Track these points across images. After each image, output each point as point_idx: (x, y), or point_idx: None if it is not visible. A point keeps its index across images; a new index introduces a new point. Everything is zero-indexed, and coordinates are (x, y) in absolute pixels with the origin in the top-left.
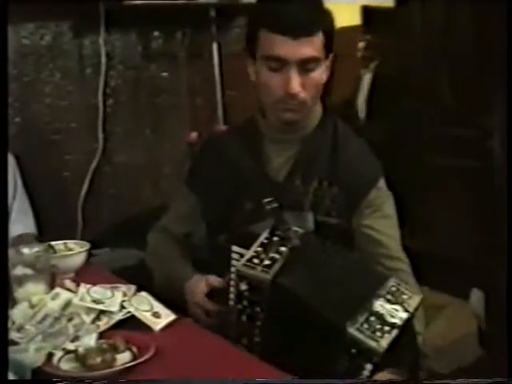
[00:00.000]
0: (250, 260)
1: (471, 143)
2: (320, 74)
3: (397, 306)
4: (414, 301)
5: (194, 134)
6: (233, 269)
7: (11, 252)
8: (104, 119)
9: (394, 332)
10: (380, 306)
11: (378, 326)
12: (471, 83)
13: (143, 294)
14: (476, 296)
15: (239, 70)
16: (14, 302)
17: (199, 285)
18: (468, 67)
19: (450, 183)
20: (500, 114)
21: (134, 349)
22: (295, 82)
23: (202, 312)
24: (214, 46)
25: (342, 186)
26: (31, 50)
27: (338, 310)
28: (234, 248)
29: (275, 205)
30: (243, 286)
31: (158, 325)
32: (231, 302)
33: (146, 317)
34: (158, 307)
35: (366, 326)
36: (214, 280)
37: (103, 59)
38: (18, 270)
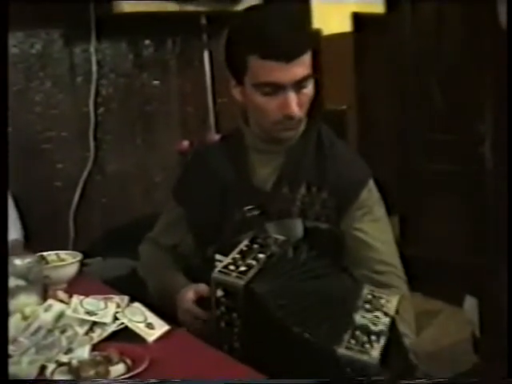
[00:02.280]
0: (225, 267)
1: (462, 148)
2: (311, 89)
3: (377, 313)
4: (392, 303)
5: (185, 143)
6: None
7: None
8: (95, 128)
9: (382, 339)
10: (361, 317)
11: (365, 339)
12: (462, 89)
13: (136, 304)
14: (469, 303)
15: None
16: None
17: (187, 293)
18: (459, 73)
19: (441, 188)
20: (491, 120)
21: (128, 361)
22: (294, 105)
23: (191, 319)
24: (205, 54)
25: (331, 190)
26: (21, 59)
27: (321, 331)
28: (217, 256)
29: (256, 212)
30: (219, 293)
31: (152, 336)
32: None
33: (140, 328)
34: (152, 318)
35: (353, 341)
36: (202, 288)
37: (94, 67)
38: (11, 282)
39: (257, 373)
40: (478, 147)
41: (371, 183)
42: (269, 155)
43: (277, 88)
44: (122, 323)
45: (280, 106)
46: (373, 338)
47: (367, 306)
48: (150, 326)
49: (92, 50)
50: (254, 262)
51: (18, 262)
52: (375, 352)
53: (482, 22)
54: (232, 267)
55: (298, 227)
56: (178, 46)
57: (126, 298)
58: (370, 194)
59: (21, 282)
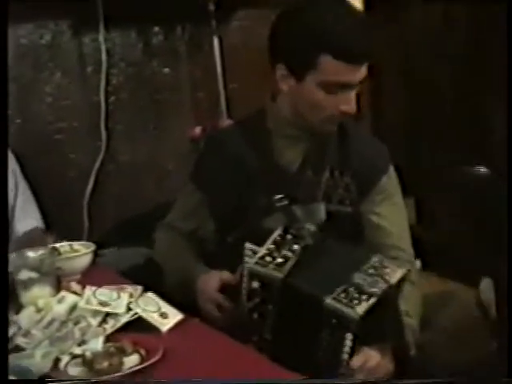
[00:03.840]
0: (262, 258)
1: (472, 142)
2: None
3: (377, 278)
4: (396, 273)
5: (197, 129)
6: (246, 266)
7: (15, 256)
8: (106, 117)
9: (372, 300)
10: (360, 278)
11: (356, 295)
12: (473, 82)
13: (150, 294)
14: (486, 284)
15: (240, 62)
16: (20, 307)
17: (211, 280)
18: (469, 67)
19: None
20: (501, 113)
21: (142, 351)
22: (353, 103)
23: (214, 307)
24: (215, 40)
25: (353, 175)
26: (30, 50)
27: (319, 286)
28: (247, 245)
29: (286, 202)
30: (255, 284)
31: (166, 325)
32: (243, 298)
33: (154, 318)
34: (165, 307)
35: (343, 295)
36: (226, 275)
37: (103, 57)
38: (23, 274)
39: (272, 363)
40: (487, 140)
41: (391, 169)
42: (293, 139)
43: (342, 87)
44: (136, 313)
45: (338, 104)
46: (363, 296)
47: (370, 270)
48: (164, 316)
49: (101, 39)
50: (290, 254)
51: (30, 254)
52: (360, 309)
53: (489, 14)
54: (268, 258)
55: (321, 211)
56: (187, 32)
57: (140, 288)
58: (390, 179)
59: (34, 274)
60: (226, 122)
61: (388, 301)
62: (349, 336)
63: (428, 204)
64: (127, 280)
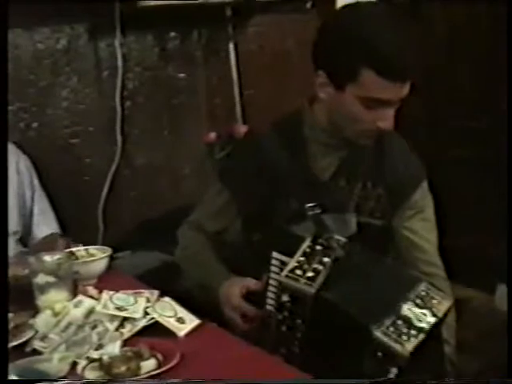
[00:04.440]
0: (292, 271)
1: (484, 135)
2: None
3: (425, 311)
4: (443, 306)
5: (212, 134)
6: (272, 275)
7: (33, 260)
8: (122, 121)
9: (421, 336)
10: (408, 309)
11: (405, 330)
12: (487, 76)
13: (166, 299)
14: (501, 291)
15: (256, 68)
16: (37, 311)
17: (235, 287)
18: (485, 59)
19: (470, 177)
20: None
21: (159, 356)
22: (391, 121)
23: (238, 316)
24: (231, 45)
25: (386, 187)
26: (47, 55)
27: (366, 312)
28: (275, 254)
29: (318, 211)
30: (285, 298)
31: (183, 330)
32: (269, 307)
33: (170, 322)
34: (182, 312)
35: (392, 329)
36: (251, 283)
37: (120, 61)
38: (40, 278)
39: (289, 367)
40: (499, 133)
41: (425, 184)
42: (328, 147)
43: (381, 104)
44: (153, 318)
45: (377, 120)
46: (412, 332)
47: (418, 301)
48: (181, 321)
49: (117, 43)
50: (320, 267)
51: (47, 258)
52: (409, 345)
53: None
54: (299, 272)
55: (352, 222)
56: (203, 37)
57: (156, 293)
58: (424, 194)
59: (51, 279)
60: (241, 127)
61: (433, 334)
62: (394, 370)
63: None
64: (143, 284)
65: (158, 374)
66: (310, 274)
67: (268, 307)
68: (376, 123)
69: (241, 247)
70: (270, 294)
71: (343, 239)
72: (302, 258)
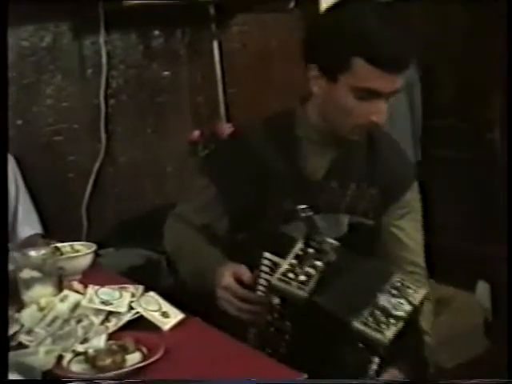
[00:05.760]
0: (284, 274)
1: (472, 135)
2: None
3: (401, 300)
4: (418, 294)
5: (196, 132)
6: (262, 275)
7: (18, 255)
8: (106, 119)
9: (400, 324)
10: (384, 300)
11: (383, 319)
12: (472, 75)
13: (151, 293)
14: (482, 288)
15: (240, 67)
16: (23, 305)
17: (229, 269)
18: (469, 58)
19: (451, 175)
20: (500, 106)
21: (144, 349)
22: (384, 114)
23: (230, 295)
24: (215, 44)
25: (380, 187)
26: (31, 52)
27: (346, 308)
28: (266, 255)
29: (310, 213)
30: (276, 300)
31: (167, 324)
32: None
33: (155, 317)
34: (167, 307)
35: (370, 319)
36: (245, 273)
37: (104, 59)
38: (26, 273)
39: (273, 361)
40: (487, 133)
41: (416, 185)
42: (320, 146)
43: (374, 95)
44: (138, 312)
45: (368, 113)
46: (391, 320)
47: (394, 291)
48: (165, 315)
49: (101, 41)
50: (312, 271)
51: (32, 253)
52: (389, 332)
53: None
54: (291, 275)
55: (343, 223)
56: (187, 36)
57: (141, 288)
58: (414, 194)
59: (36, 274)
60: (224, 126)
61: (411, 322)
62: (375, 359)
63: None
64: (128, 280)
65: (143, 367)
66: (302, 278)
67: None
68: (369, 117)
69: (226, 245)
70: (258, 293)
71: (335, 243)
72: (294, 261)
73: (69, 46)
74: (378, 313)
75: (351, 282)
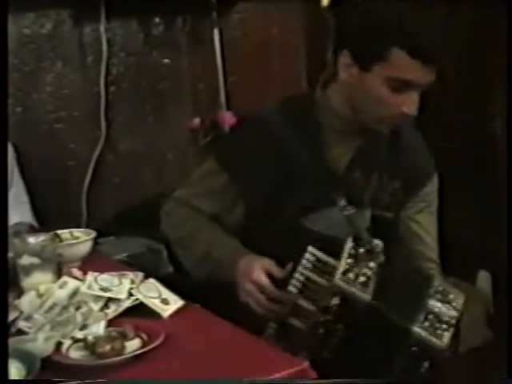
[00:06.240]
0: (344, 274)
1: (473, 127)
2: None
3: (447, 305)
4: (459, 299)
5: (196, 121)
6: (302, 269)
7: (17, 241)
8: (106, 107)
9: (451, 330)
10: (433, 305)
11: (437, 324)
12: (473, 68)
13: (151, 280)
14: (483, 278)
15: (240, 55)
16: (22, 292)
17: (258, 263)
18: (470, 51)
19: (452, 167)
20: (502, 99)
21: (144, 336)
22: (415, 106)
23: (257, 290)
24: (215, 32)
25: (402, 180)
26: (32, 40)
27: (402, 312)
28: (311, 249)
29: (352, 210)
30: (335, 301)
31: (167, 311)
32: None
33: (155, 304)
34: (166, 294)
35: (427, 324)
36: (274, 267)
37: (104, 47)
38: (25, 260)
39: (274, 349)
40: (489, 125)
41: (436, 177)
42: (343, 135)
43: (408, 86)
44: (137, 299)
45: (400, 104)
46: (443, 326)
47: (438, 296)
48: (165, 302)
49: (102, 29)
50: (369, 272)
51: (31, 240)
52: (446, 339)
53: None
54: (351, 276)
55: (366, 217)
56: (188, 24)
57: (141, 274)
58: (433, 188)
59: (35, 260)
60: (225, 114)
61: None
62: (426, 364)
63: None
64: (128, 267)
65: (143, 354)
66: (362, 279)
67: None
68: (401, 107)
69: (239, 237)
70: (293, 289)
71: (381, 243)
72: (350, 261)
73: (69, 33)
74: (431, 317)
75: (402, 285)
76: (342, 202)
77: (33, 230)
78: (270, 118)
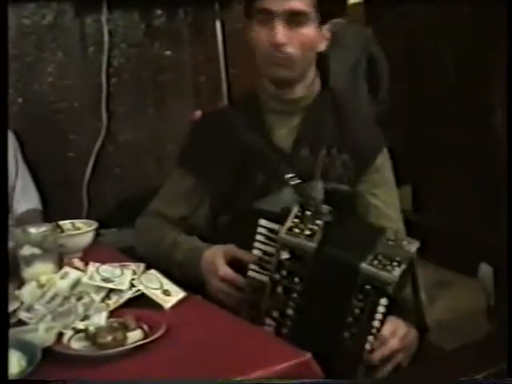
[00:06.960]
0: (290, 229)
1: (473, 119)
2: (309, 32)
3: (398, 249)
4: (413, 246)
5: (197, 112)
6: (258, 244)
7: (18, 232)
8: (107, 98)
9: (403, 266)
10: (384, 247)
11: (387, 262)
12: (473, 60)
13: (153, 271)
14: (484, 271)
15: (242, 47)
16: (23, 282)
17: (218, 254)
18: (470, 45)
19: (454, 159)
20: (502, 91)
21: (145, 327)
22: (279, 33)
23: (223, 283)
24: (217, 24)
25: (350, 152)
26: (33, 30)
27: (350, 252)
28: (263, 222)
29: (298, 180)
30: (285, 255)
31: (169, 302)
32: (254, 274)
33: (156, 295)
34: (168, 285)
35: (376, 262)
36: (235, 249)
37: (106, 38)
38: (26, 250)
39: (275, 339)
40: (489, 119)
41: (385, 149)
42: (284, 116)
43: (269, 17)
44: (139, 290)
45: (268, 36)
46: (394, 263)
47: (390, 242)
48: (167, 293)
49: (103, 20)
50: (315, 227)
51: (32, 230)
52: (396, 272)
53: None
54: (297, 230)
55: (319, 189)
56: (189, 15)
57: (142, 265)
58: (385, 159)
59: (36, 251)
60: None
61: (410, 271)
62: (383, 301)
63: (425, 192)
64: (129, 258)
65: (144, 345)
66: (308, 232)
67: (253, 274)
68: (268, 40)
69: (208, 233)
70: (253, 266)
71: (328, 207)
72: (296, 220)
73: (70, 24)
74: (380, 257)
75: (352, 234)
76: (294, 179)
77: (46, 217)
78: (219, 115)
